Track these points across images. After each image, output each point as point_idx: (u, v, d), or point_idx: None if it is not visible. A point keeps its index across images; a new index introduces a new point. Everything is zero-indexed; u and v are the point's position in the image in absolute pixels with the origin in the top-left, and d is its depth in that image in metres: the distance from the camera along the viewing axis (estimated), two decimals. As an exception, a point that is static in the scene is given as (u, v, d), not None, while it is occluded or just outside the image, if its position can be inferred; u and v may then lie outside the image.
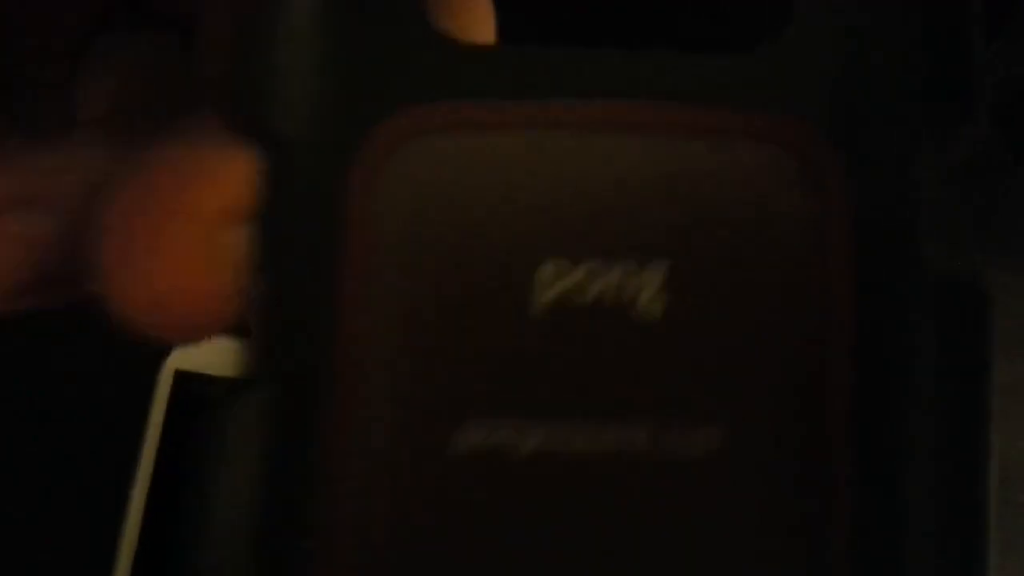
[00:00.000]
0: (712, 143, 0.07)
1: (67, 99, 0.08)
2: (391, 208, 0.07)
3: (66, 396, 0.23)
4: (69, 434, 0.23)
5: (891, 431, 0.08)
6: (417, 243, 0.07)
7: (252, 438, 0.07)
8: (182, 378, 0.20)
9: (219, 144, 0.07)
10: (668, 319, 0.07)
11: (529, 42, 0.08)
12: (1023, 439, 0.26)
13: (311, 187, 0.07)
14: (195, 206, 0.07)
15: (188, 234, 0.07)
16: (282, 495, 0.07)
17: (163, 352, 0.20)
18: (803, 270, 0.07)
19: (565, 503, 0.07)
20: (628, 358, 0.07)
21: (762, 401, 0.07)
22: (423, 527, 0.07)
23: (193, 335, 0.07)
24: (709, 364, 0.07)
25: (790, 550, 0.07)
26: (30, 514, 0.22)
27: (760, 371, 0.07)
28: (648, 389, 0.07)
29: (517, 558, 0.07)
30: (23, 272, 0.07)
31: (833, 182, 0.07)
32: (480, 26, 0.08)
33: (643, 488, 0.07)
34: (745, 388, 0.07)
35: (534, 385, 0.07)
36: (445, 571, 0.07)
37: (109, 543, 0.20)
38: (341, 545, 0.07)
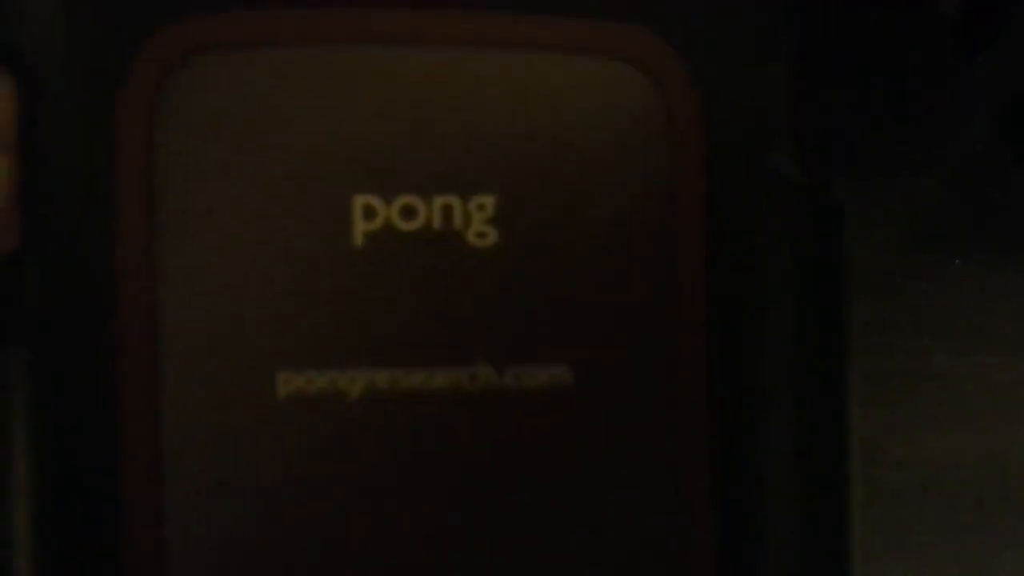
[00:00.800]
0: (546, 57, 0.07)
1: None
2: (173, 135, 0.07)
3: None
4: None
5: (748, 355, 0.07)
6: (210, 176, 0.07)
7: (24, 394, 0.07)
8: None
9: None
10: (501, 247, 0.07)
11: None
12: (1020, 435, 0.26)
13: (74, 114, 0.07)
14: None
15: None
16: (76, 456, 0.07)
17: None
18: (649, 192, 0.07)
19: (402, 439, 0.07)
20: (460, 284, 0.07)
21: (612, 332, 0.07)
22: (255, 473, 0.07)
23: None
24: (551, 294, 0.07)
25: (649, 483, 0.07)
26: None
27: (608, 300, 0.07)
28: (484, 322, 0.07)
29: (358, 495, 0.07)
30: None
31: (680, 95, 0.07)
32: None
33: (486, 436, 0.07)
34: (592, 319, 0.07)
35: (360, 322, 0.07)
36: (283, 513, 0.07)
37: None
38: (161, 501, 0.07)
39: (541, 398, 0.07)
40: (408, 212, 0.07)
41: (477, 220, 0.07)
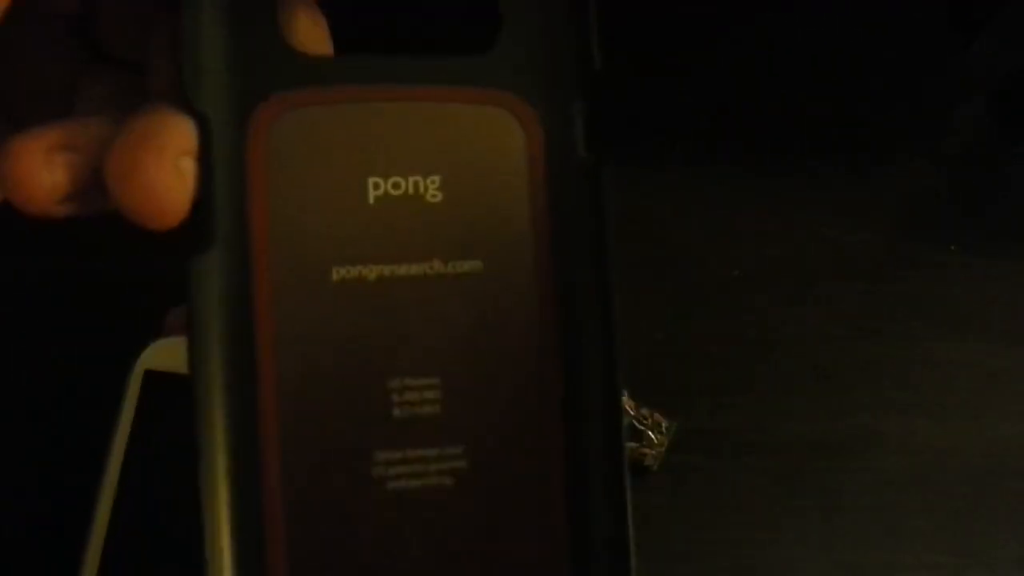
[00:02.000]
0: (468, 108, 0.14)
1: (66, 106, 0.14)
2: (275, 153, 0.13)
3: (38, 394, 0.23)
4: (40, 433, 0.23)
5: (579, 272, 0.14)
6: (295, 172, 0.13)
7: (215, 291, 0.13)
8: (152, 378, 0.20)
9: (171, 115, 0.13)
10: (444, 201, 0.13)
11: (345, 51, 0.14)
12: (1013, 423, 0.26)
13: (223, 139, 0.13)
14: (160, 145, 0.12)
15: (156, 160, 0.12)
16: (234, 329, 0.13)
17: (135, 352, 0.21)
18: (518, 175, 0.14)
19: (399, 306, 0.13)
20: (424, 221, 0.13)
21: (500, 241, 0.14)
22: (320, 331, 0.13)
23: (165, 219, 0.12)
24: (468, 223, 0.14)
25: (526, 339, 0.14)
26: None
27: (498, 227, 0.14)
28: (436, 238, 0.13)
29: (374, 345, 0.13)
30: (66, 186, 0.13)
31: (533, 130, 0.14)
32: (318, 45, 0.14)
33: (439, 297, 0.13)
34: (491, 239, 0.14)
35: (373, 240, 0.13)
36: (333, 355, 0.13)
37: (76, 541, 0.20)
38: (276, 350, 0.13)
39: (467, 279, 0.14)
40: (396, 185, 0.13)
41: (431, 188, 0.14)
